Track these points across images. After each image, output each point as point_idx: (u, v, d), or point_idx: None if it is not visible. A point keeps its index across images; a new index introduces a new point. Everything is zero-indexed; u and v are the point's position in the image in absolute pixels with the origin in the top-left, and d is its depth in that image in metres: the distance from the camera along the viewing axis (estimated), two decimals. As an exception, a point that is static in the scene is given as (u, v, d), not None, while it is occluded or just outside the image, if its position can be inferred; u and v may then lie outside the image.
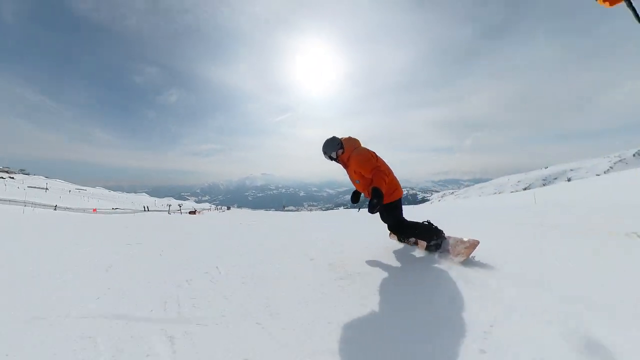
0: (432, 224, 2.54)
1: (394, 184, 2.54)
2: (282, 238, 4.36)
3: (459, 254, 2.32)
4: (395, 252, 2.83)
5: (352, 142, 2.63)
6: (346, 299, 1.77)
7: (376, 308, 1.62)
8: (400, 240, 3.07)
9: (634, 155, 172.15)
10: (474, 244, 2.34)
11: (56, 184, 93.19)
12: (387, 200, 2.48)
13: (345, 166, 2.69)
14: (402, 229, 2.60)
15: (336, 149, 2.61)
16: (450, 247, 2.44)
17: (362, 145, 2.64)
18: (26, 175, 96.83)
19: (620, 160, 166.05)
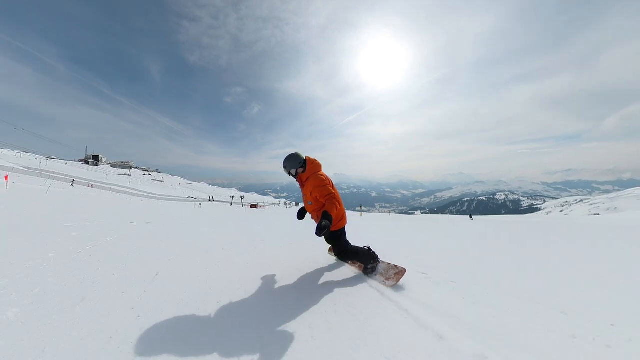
0: (371, 249, 2.76)
1: (342, 213, 2.70)
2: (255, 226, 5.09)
3: (389, 279, 2.52)
4: (331, 265, 3.21)
5: (315, 166, 2.73)
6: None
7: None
8: (339, 258, 3.22)
9: None
10: (402, 272, 2.51)
11: (174, 179, 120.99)
12: (333, 228, 2.63)
13: (302, 186, 2.78)
14: (345, 255, 2.81)
15: (297, 167, 2.69)
16: (383, 271, 2.63)
17: (323, 170, 2.78)
18: (158, 173, 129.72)
19: None
